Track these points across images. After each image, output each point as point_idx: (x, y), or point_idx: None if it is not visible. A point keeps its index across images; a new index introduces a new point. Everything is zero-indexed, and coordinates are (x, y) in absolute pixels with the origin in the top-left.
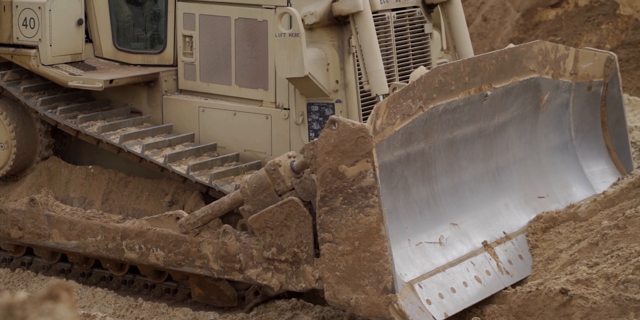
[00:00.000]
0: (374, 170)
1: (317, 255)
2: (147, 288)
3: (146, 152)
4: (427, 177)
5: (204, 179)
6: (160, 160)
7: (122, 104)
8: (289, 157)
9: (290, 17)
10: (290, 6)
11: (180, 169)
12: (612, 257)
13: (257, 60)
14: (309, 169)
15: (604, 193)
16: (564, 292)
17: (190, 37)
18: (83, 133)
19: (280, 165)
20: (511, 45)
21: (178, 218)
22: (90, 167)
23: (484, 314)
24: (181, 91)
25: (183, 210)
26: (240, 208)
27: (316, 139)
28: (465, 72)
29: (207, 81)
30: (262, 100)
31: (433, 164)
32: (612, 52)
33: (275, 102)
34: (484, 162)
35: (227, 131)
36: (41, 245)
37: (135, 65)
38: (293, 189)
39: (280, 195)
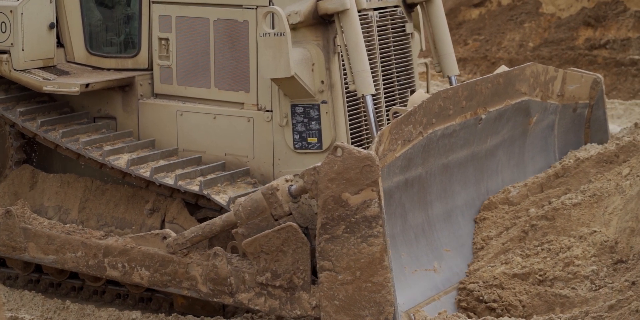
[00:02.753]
0: (380, 199)
1: (314, 282)
2: (75, 290)
3: (107, 158)
4: (422, 202)
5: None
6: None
7: (96, 110)
8: (287, 181)
9: (274, 15)
10: (273, 5)
11: (144, 173)
12: (542, 250)
13: (238, 62)
14: (307, 194)
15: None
16: (495, 300)
17: (167, 39)
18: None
19: (278, 189)
20: (503, 67)
21: (165, 237)
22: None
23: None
24: (157, 95)
25: (165, 218)
26: (233, 231)
27: (318, 164)
28: (463, 96)
29: (184, 84)
30: (243, 103)
31: (429, 188)
32: (598, 74)
33: (257, 104)
34: (475, 186)
35: (207, 135)
36: (16, 259)
37: (108, 69)
38: (290, 213)
39: (276, 220)
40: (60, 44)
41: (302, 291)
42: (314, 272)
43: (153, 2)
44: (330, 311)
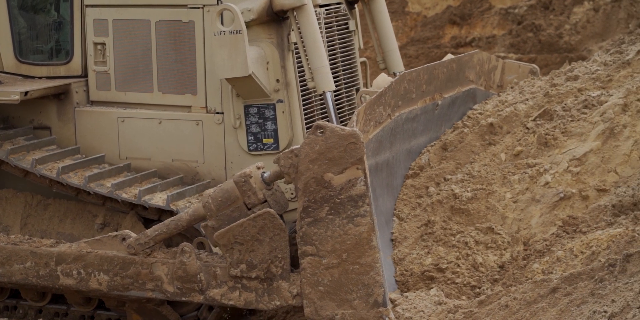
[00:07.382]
0: (365, 177)
1: (292, 270)
2: None
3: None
4: (390, 188)
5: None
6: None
7: (28, 120)
8: (258, 168)
9: (223, 14)
10: (224, 3)
11: (103, 189)
12: (458, 242)
13: (183, 64)
14: (281, 181)
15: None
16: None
17: (103, 44)
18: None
19: (251, 177)
20: (449, 56)
21: (125, 238)
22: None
23: None
24: (93, 103)
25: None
26: (202, 224)
27: (296, 147)
28: (423, 80)
29: (123, 90)
30: (190, 106)
31: (395, 174)
32: (534, 65)
33: (206, 107)
34: None
35: (152, 141)
36: None
37: (40, 77)
38: (265, 201)
39: (249, 209)
40: None
41: (281, 280)
42: (292, 262)
43: (87, 6)
44: (314, 298)
